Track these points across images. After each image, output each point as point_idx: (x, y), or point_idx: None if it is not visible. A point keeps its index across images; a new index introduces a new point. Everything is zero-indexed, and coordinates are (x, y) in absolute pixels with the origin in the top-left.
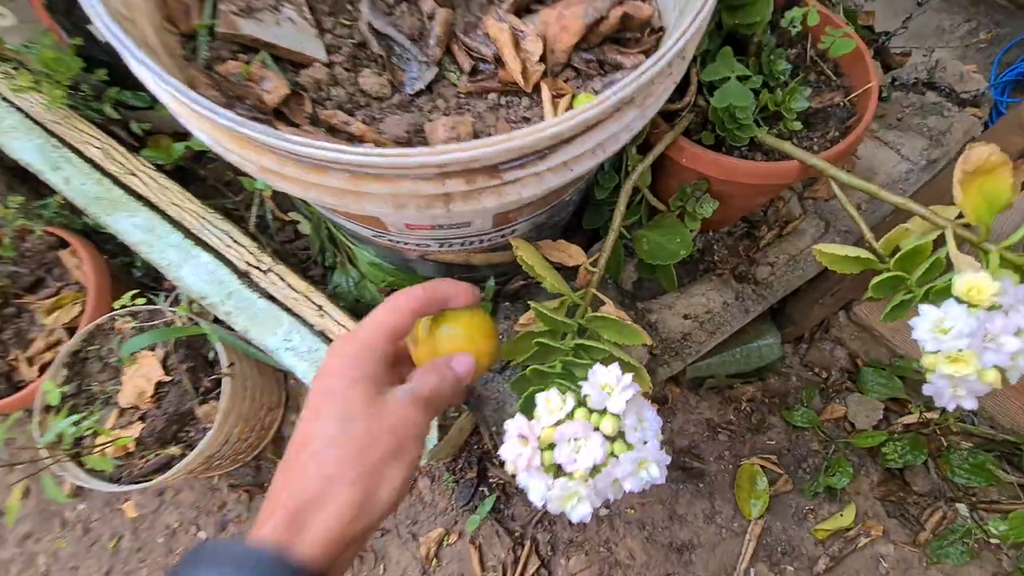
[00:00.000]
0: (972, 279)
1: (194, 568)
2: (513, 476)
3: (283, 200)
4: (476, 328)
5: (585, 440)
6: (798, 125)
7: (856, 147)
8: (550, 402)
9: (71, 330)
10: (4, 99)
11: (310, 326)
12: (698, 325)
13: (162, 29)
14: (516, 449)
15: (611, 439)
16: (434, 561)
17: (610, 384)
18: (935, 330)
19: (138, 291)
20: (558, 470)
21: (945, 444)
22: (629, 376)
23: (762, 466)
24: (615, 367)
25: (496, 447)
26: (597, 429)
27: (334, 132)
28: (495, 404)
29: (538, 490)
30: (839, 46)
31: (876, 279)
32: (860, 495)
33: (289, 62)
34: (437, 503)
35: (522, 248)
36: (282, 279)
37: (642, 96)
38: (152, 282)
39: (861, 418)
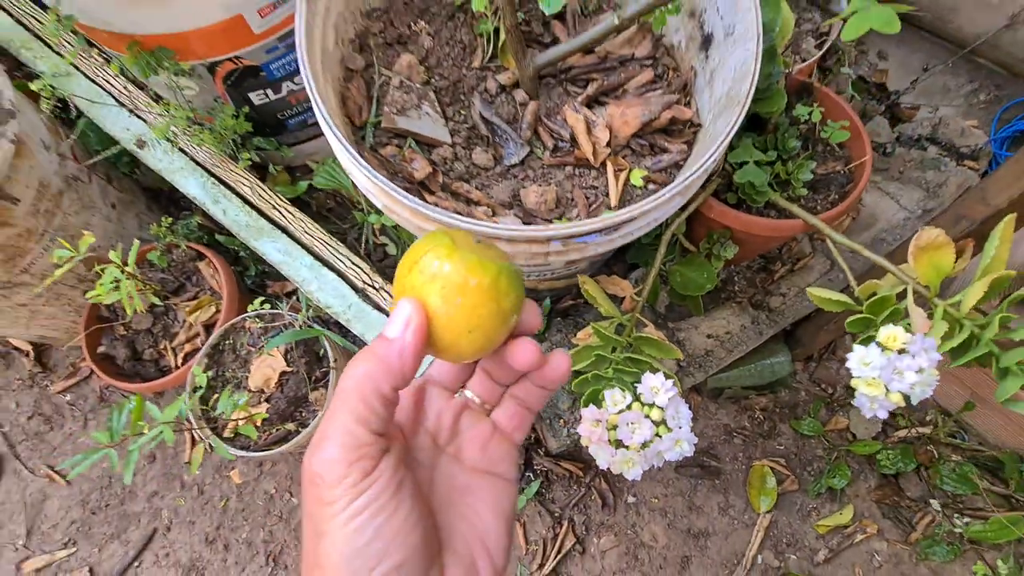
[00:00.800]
0: (891, 331)
1: None
2: (585, 446)
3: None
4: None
5: (639, 424)
6: (805, 191)
7: (851, 209)
8: (615, 397)
9: (207, 327)
10: (177, 147)
11: None
12: (719, 344)
13: (344, 124)
14: (590, 429)
15: (657, 424)
16: None
17: (656, 386)
18: (861, 363)
19: (264, 298)
20: (619, 444)
21: (936, 456)
22: (670, 381)
23: (772, 467)
24: (660, 375)
25: (541, 439)
26: (647, 417)
27: (457, 196)
28: (549, 405)
29: (605, 457)
30: (836, 135)
31: (851, 318)
32: (858, 497)
33: (425, 144)
34: None
35: (588, 284)
36: (390, 294)
37: (687, 188)
38: (259, 287)
39: (861, 430)
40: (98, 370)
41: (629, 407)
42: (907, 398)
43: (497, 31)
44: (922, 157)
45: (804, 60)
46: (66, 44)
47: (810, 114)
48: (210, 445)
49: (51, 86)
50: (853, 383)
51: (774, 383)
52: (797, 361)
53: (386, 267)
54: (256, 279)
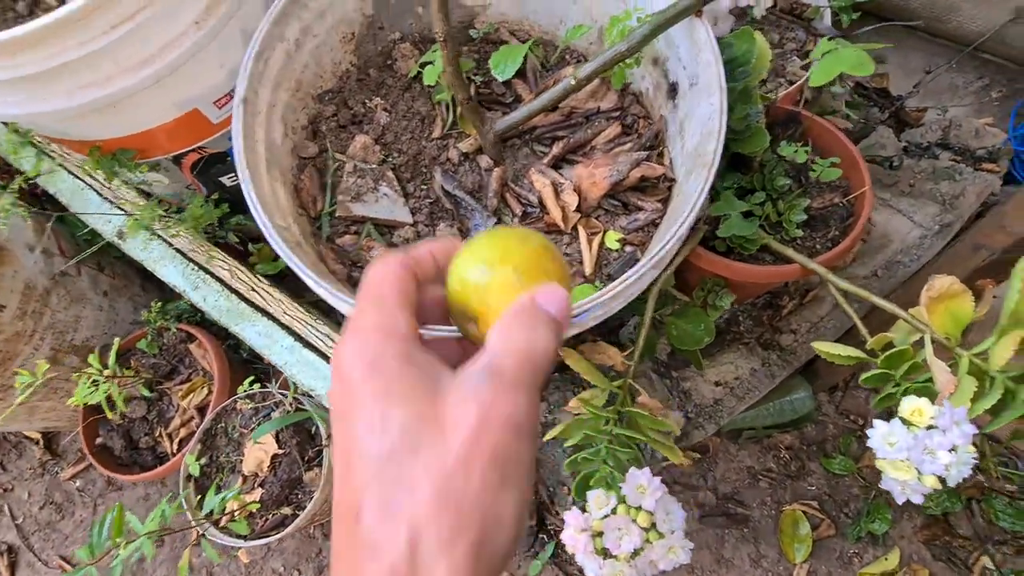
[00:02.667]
0: (915, 404)
1: None
2: (573, 555)
3: None
4: (533, 256)
5: (626, 530)
6: (799, 232)
7: (853, 248)
8: (598, 499)
9: (201, 409)
10: (157, 235)
11: None
12: (728, 391)
13: (297, 216)
14: (574, 537)
15: (646, 529)
16: None
17: (643, 485)
18: (884, 442)
19: (254, 378)
20: (606, 552)
21: (988, 488)
22: (658, 479)
23: (804, 511)
24: (647, 471)
25: (552, 500)
26: (635, 521)
27: None
28: (551, 465)
29: (592, 568)
30: (827, 174)
31: (867, 374)
32: (904, 539)
33: (385, 226)
34: None
35: (570, 357)
36: None
37: (661, 261)
38: (255, 358)
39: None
40: (96, 462)
41: (614, 511)
42: (943, 479)
43: (455, 99)
44: (934, 166)
45: (791, 83)
46: (48, 143)
47: (795, 153)
48: (203, 536)
49: (24, 185)
50: (878, 464)
51: (797, 420)
52: (820, 392)
53: None
54: (251, 352)
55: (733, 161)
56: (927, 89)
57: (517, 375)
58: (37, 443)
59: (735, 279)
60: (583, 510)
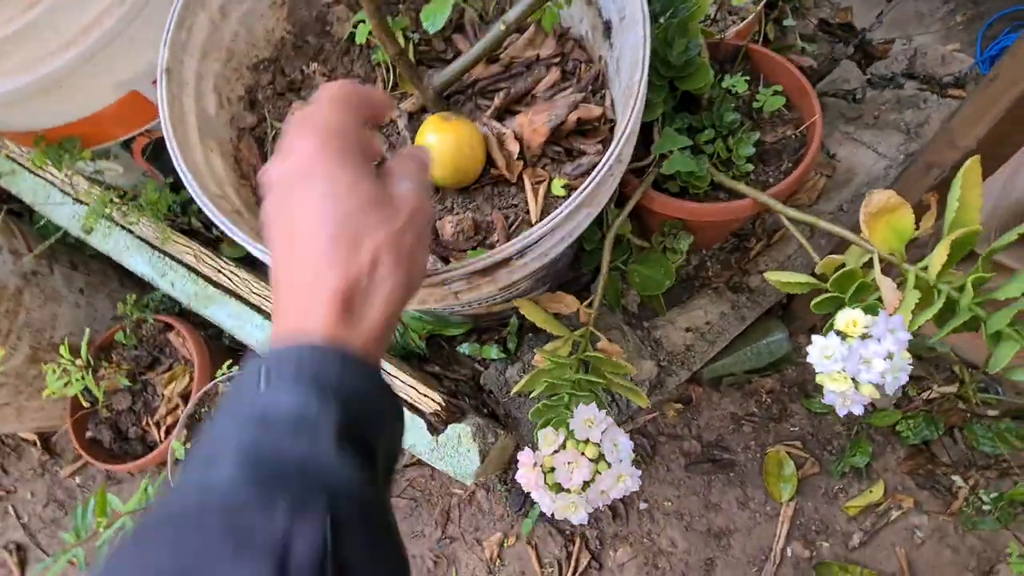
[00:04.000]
0: (849, 315)
1: (264, 377)
2: (527, 492)
3: None
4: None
5: (576, 463)
6: (750, 167)
7: (805, 179)
8: (547, 436)
9: (184, 396)
10: (120, 226)
11: None
12: (699, 336)
13: (239, 186)
14: (527, 474)
15: (595, 461)
16: (497, 562)
17: (591, 418)
18: (822, 355)
19: (232, 361)
20: (559, 487)
21: (969, 415)
22: (603, 413)
23: (788, 452)
24: (593, 407)
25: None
26: (583, 454)
27: None
28: (529, 425)
29: (546, 503)
30: (771, 102)
31: (816, 299)
32: (888, 471)
33: None
34: (494, 510)
35: (524, 306)
36: None
37: (590, 198)
38: (238, 344)
39: (880, 399)
40: (88, 456)
41: (563, 446)
42: (881, 388)
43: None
44: (898, 96)
45: (743, 19)
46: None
47: (735, 85)
48: None
49: None
50: (817, 379)
51: (776, 363)
52: (799, 335)
53: None
54: (231, 337)
55: (683, 101)
56: (892, 19)
57: (426, 188)
58: (34, 444)
59: (691, 219)
60: (535, 449)
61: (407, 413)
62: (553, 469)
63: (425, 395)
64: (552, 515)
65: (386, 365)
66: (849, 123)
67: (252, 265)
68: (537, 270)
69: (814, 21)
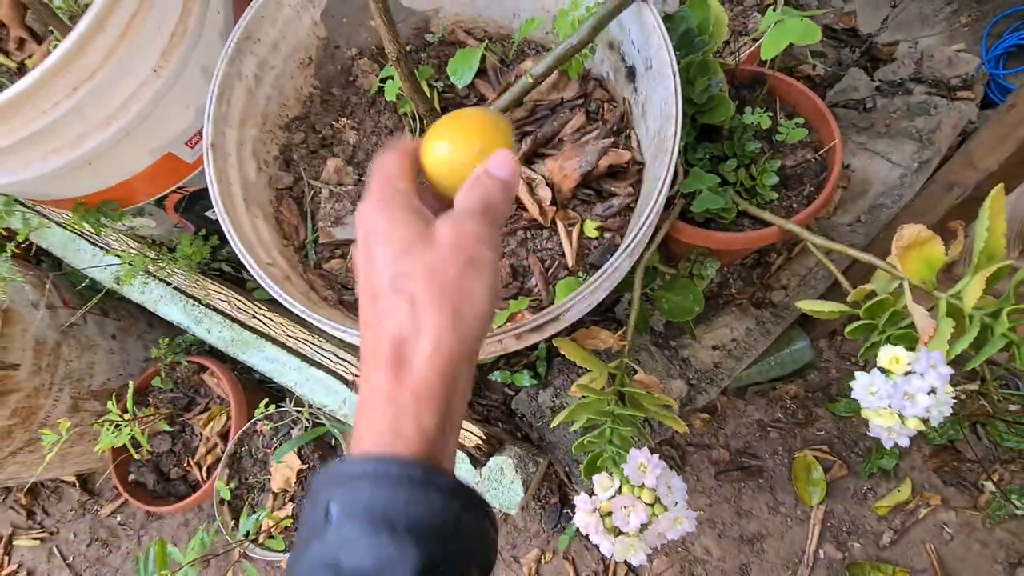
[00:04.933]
0: (892, 352)
1: (329, 488)
2: (585, 535)
3: None
4: (480, 129)
5: (632, 507)
6: (774, 194)
7: (830, 203)
8: (603, 483)
9: (223, 435)
10: (154, 276)
11: None
12: (726, 353)
13: (282, 248)
14: (586, 519)
15: (651, 504)
16: None
17: (643, 464)
18: (867, 392)
19: (269, 399)
20: (617, 530)
21: (991, 411)
22: (656, 456)
23: (815, 456)
24: (645, 451)
25: (570, 478)
26: (639, 498)
27: None
28: (564, 447)
29: (606, 546)
30: (793, 134)
31: (851, 325)
32: (915, 469)
33: None
34: (530, 528)
35: (564, 346)
36: None
37: (635, 249)
38: (269, 379)
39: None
40: (132, 499)
41: (619, 491)
42: (927, 421)
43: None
44: (908, 103)
45: (755, 40)
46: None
47: (759, 120)
48: (244, 556)
49: (15, 250)
50: (863, 415)
51: (800, 370)
52: (819, 340)
53: None
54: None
55: (703, 131)
56: (896, 22)
57: (478, 212)
58: (73, 485)
59: (716, 247)
60: (591, 493)
61: None
62: (610, 514)
63: (466, 429)
64: (612, 557)
65: None
66: (861, 133)
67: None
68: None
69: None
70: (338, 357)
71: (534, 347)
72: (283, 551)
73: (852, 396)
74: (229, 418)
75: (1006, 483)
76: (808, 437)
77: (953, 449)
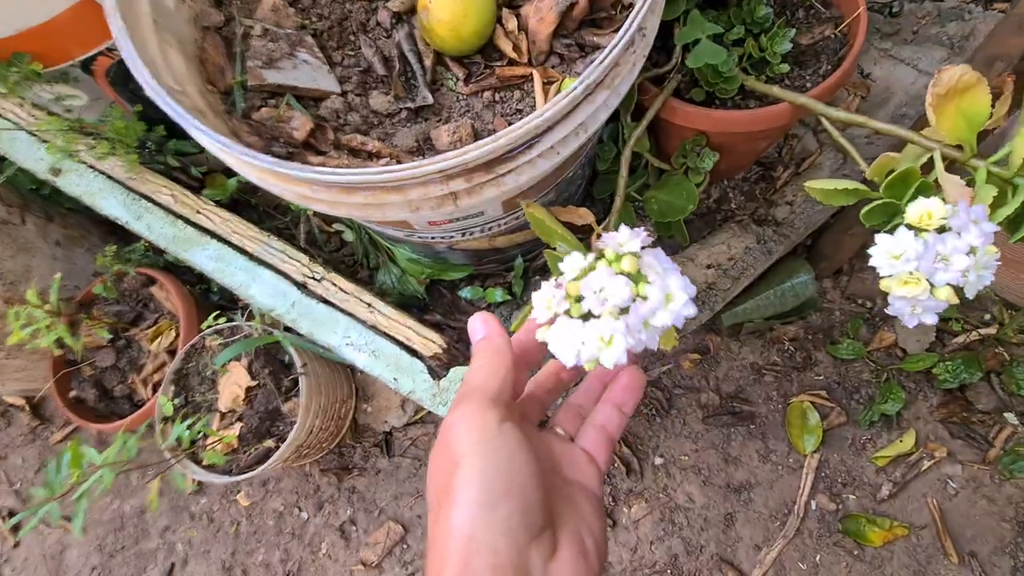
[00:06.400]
0: (923, 205)
1: None
2: (544, 343)
3: (327, 215)
4: None
5: (610, 283)
6: (785, 67)
7: (848, 79)
8: (573, 261)
9: (171, 352)
10: (89, 167)
11: (363, 322)
12: (721, 273)
13: (205, 91)
14: (544, 311)
15: (634, 279)
16: None
17: (622, 241)
18: (889, 256)
19: (219, 312)
20: (588, 316)
21: (1008, 358)
22: (640, 229)
23: (812, 402)
24: (623, 228)
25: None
26: (620, 274)
27: (355, 153)
28: None
29: (571, 345)
30: None
31: (867, 207)
32: (920, 419)
33: (310, 98)
34: None
35: (532, 208)
36: (334, 284)
37: (610, 78)
38: (228, 302)
39: (912, 343)
40: (74, 415)
41: (592, 267)
42: (961, 292)
43: None
44: (938, 8)
45: None
46: None
47: None
48: (187, 476)
49: None
50: (883, 285)
51: (801, 307)
52: (824, 278)
53: (344, 256)
54: (221, 293)
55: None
56: None
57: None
58: (23, 409)
59: (717, 133)
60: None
61: (405, 357)
62: (580, 299)
63: (424, 337)
64: (580, 365)
65: (380, 306)
66: (886, 39)
67: (234, 208)
68: (546, 180)
69: None
70: (288, 256)
71: (509, 265)
72: (229, 472)
73: (871, 264)
74: (178, 334)
75: (1017, 436)
76: (806, 382)
77: (963, 399)
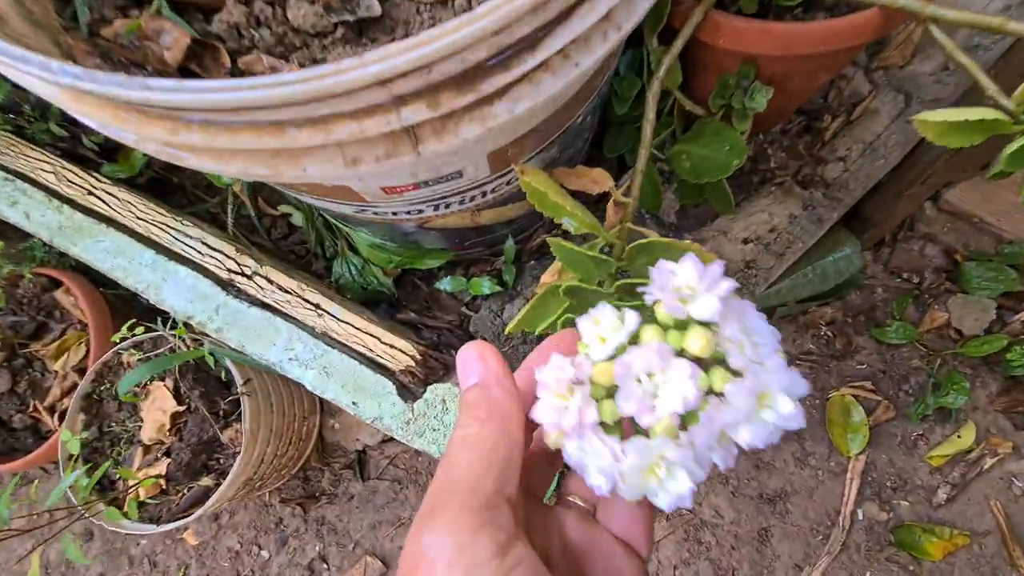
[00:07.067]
0: None
1: None
2: (557, 451)
3: (271, 193)
4: None
5: (664, 372)
6: None
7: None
8: (599, 323)
9: (81, 371)
10: None
11: (310, 329)
12: (763, 248)
13: (25, 8)
14: (554, 402)
15: (704, 365)
16: None
17: (690, 283)
18: None
19: (135, 320)
20: (627, 428)
21: None
22: (718, 265)
23: (855, 395)
24: (690, 258)
25: None
26: (681, 352)
27: None
28: None
29: (600, 463)
30: None
31: (1011, 146)
32: (978, 411)
33: (195, 7)
34: None
35: (530, 173)
36: (270, 281)
37: None
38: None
39: (969, 322)
40: None
41: (634, 339)
42: None
43: None
44: None
45: None
46: None
47: None
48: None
49: None
50: None
51: (839, 286)
52: (865, 250)
53: (293, 245)
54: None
55: None
56: None
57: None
58: None
59: (775, 55)
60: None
61: (367, 373)
62: (611, 395)
63: (392, 346)
64: (611, 491)
65: (331, 307)
66: None
67: (155, 191)
68: (548, 125)
69: None
70: (208, 247)
71: (497, 249)
72: (154, 520)
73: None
74: (89, 349)
75: None
76: (847, 372)
77: None
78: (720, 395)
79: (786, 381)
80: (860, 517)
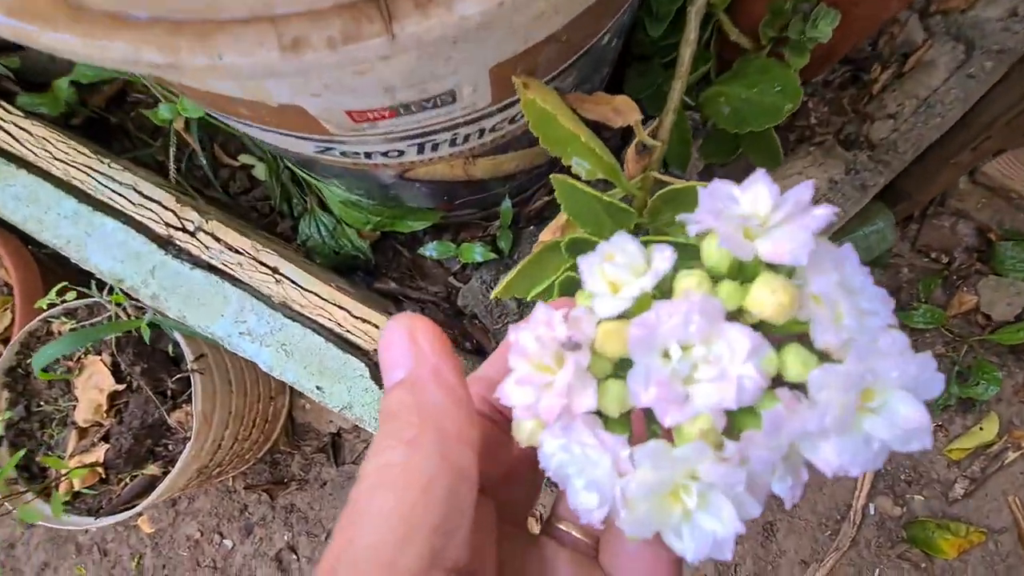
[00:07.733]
0: None
1: None
2: (532, 448)
3: (229, 139)
4: None
5: (708, 343)
6: None
7: None
8: (614, 259)
9: (7, 341)
10: None
11: (266, 298)
12: None
13: None
14: (533, 378)
15: (774, 338)
16: None
17: (761, 210)
18: None
19: (65, 284)
20: (646, 428)
21: None
22: (807, 186)
23: None
24: (761, 176)
25: None
26: (739, 314)
27: None
28: None
29: (593, 474)
30: None
31: None
32: (1002, 402)
33: None
34: None
35: (535, 88)
36: (216, 239)
37: None
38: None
39: (1000, 307)
40: None
41: (664, 290)
42: None
43: None
44: None
45: None
46: None
47: None
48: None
49: None
50: None
51: (874, 261)
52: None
53: (254, 201)
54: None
55: None
56: None
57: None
58: None
59: None
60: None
61: (334, 352)
62: (620, 372)
63: (365, 320)
64: (603, 520)
65: (291, 271)
66: None
67: (71, 129)
68: (572, 41)
69: None
70: (142, 195)
71: (492, 212)
72: (93, 512)
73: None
74: (15, 316)
75: None
76: None
77: None
78: (798, 387)
79: (911, 371)
80: (871, 512)
